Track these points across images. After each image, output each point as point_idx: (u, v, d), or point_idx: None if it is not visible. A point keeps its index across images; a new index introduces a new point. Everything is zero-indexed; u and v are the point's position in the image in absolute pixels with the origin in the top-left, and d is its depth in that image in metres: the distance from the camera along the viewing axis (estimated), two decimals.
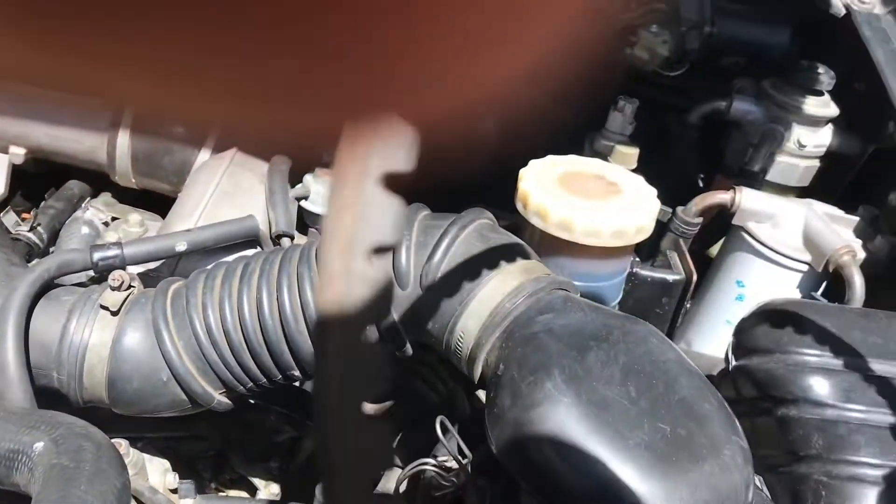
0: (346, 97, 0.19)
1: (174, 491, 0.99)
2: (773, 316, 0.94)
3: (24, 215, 1.22)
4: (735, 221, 1.13)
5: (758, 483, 0.84)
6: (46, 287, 0.88)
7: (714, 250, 1.31)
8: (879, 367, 0.85)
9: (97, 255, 0.91)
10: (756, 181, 1.25)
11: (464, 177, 1.47)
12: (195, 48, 0.17)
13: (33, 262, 1.04)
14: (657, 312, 1.07)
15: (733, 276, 1.16)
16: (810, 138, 1.28)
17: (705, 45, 1.40)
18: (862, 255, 1.09)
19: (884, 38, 1.25)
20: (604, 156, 1.17)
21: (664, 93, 1.45)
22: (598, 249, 0.94)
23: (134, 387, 0.86)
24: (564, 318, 0.74)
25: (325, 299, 0.42)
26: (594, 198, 0.96)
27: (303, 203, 1.16)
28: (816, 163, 1.31)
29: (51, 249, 1.15)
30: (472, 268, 0.79)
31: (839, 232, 1.10)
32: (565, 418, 0.66)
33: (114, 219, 1.20)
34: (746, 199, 1.11)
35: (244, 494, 1.15)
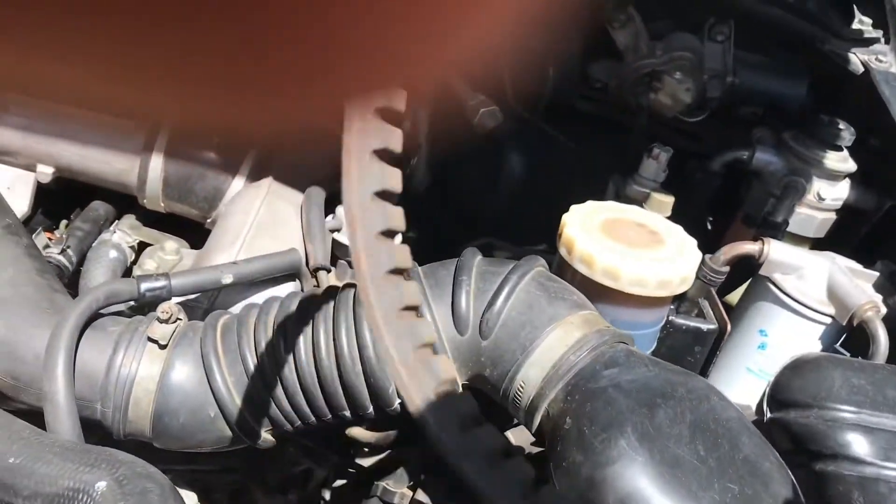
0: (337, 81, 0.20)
1: None
2: (809, 370, 0.96)
3: (47, 234, 1.20)
4: (762, 272, 1.16)
5: None
6: (94, 316, 0.87)
7: (732, 297, 1.34)
8: None
9: (144, 286, 0.90)
10: (779, 232, 1.28)
11: (491, 209, 1.48)
12: (178, 46, 0.18)
13: (88, 283, 1.03)
14: (689, 360, 1.09)
15: (756, 324, 1.18)
16: (829, 191, 1.32)
17: (726, 94, 1.43)
18: (883, 310, 1.12)
19: None
20: (636, 201, 1.19)
21: (684, 138, 1.48)
22: (641, 298, 0.96)
23: (180, 422, 0.85)
24: (630, 373, 0.75)
25: (413, 400, 0.44)
26: (638, 246, 0.98)
27: (336, 235, 1.16)
28: (833, 215, 1.35)
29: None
30: (534, 317, 0.80)
31: (862, 286, 1.13)
32: (641, 477, 0.67)
33: (141, 243, 1.19)
34: (774, 250, 1.14)
35: None
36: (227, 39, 0.18)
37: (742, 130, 1.47)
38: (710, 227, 1.61)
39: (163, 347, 0.86)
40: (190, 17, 0.17)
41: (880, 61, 1.36)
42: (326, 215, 1.16)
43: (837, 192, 1.34)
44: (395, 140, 0.40)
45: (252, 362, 0.84)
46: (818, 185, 1.32)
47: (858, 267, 1.19)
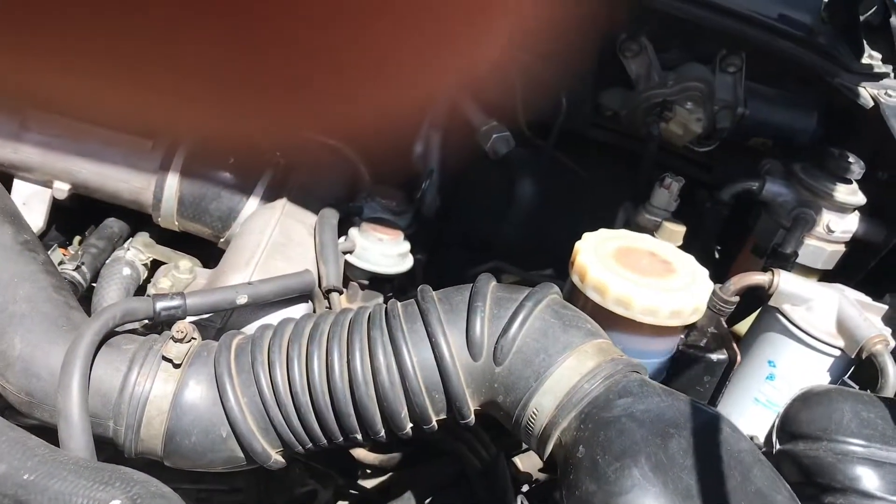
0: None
1: None
2: (818, 402, 0.96)
3: (62, 251, 1.21)
4: (771, 303, 1.16)
5: None
6: (109, 334, 0.87)
7: (741, 327, 1.34)
8: None
9: (160, 305, 0.90)
10: (788, 263, 1.29)
11: (499, 232, 1.49)
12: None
13: (102, 299, 1.03)
14: (698, 390, 1.09)
15: (765, 355, 1.18)
16: (838, 224, 1.32)
17: (736, 125, 1.44)
18: (893, 343, 1.12)
19: None
20: (647, 230, 1.19)
21: (694, 167, 1.49)
22: (653, 327, 0.96)
23: (192, 441, 0.86)
24: (643, 402, 0.75)
25: None
26: (650, 275, 0.98)
27: (348, 257, 1.17)
28: (842, 248, 1.35)
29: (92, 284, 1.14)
30: (548, 344, 0.81)
31: (871, 319, 1.14)
32: None
33: (154, 261, 1.20)
34: (784, 281, 1.14)
35: None
36: (238, 52, 0.18)
37: (751, 161, 1.48)
38: (718, 256, 1.62)
39: (177, 366, 0.86)
40: (205, 32, 0.18)
41: (889, 96, 1.37)
42: (339, 237, 1.17)
43: (847, 225, 1.35)
44: None
45: (265, 383, 0.84)
46: (827, 217, 1.33)
47: (867, 299, 1.19)
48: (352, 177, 1.32)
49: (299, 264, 1.06)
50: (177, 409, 0.85)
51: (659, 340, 0.99)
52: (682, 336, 1.08)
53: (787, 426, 0.97)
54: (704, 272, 1.01)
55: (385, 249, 1.19)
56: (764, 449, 1.00)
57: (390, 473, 1.25)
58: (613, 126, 1.52)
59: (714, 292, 1.14)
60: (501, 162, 1.38)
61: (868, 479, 0.88)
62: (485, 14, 0.20)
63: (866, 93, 1.41)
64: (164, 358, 0.86)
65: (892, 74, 1.48)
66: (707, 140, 1.46)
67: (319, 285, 1.07)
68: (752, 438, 1.03)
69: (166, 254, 1.21)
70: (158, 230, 1.27)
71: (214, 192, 1.17)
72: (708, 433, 0.74)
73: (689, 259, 1.04)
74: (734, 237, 1.52)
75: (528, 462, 1.11)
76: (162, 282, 1.04)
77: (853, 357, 1.13)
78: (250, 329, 0.97)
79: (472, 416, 0.84)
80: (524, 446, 1.09)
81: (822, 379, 1.18)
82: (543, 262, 1.42)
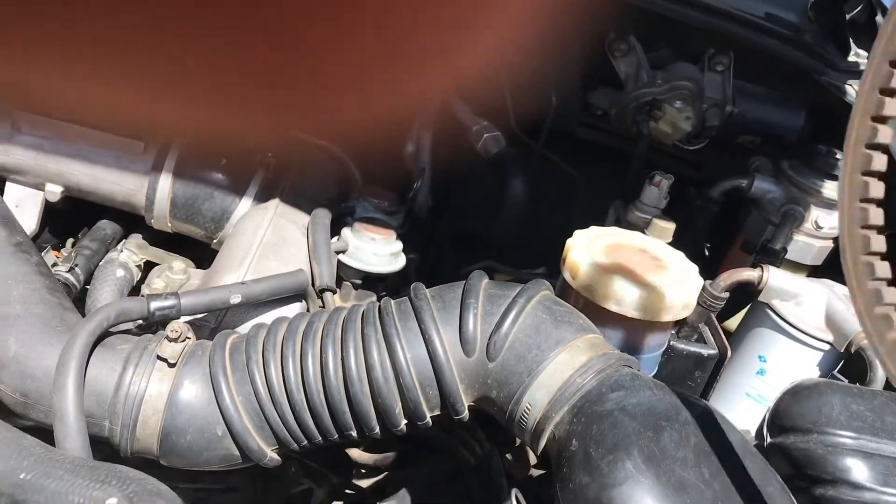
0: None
1: None
2: (808, 395, 0.97)
3: (55, 253, 1.21)
4: (761, 298, 1.17)
5: None
6: (103, 335, 0.88)
7: (730, 323, 1.35)
8: None
9: (154, 305, 0.91)
10: (777, 259, 1.30)
11: (490, 230, 1.50)
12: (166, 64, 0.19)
13: (95, 301, 1.04)
14: (689, 385, 1.10)
15: (755, 350, 1.19)
16: (827, 220, 1.34)
17: (725, 123, 1.45)
18: None
19: None
20: (637, 227, 1.20)
21: (683, 166, 1.50)
22: (644, 323, 0.97)
23: (188, 440, 0.86)
24: (635, 396, 0.76)
25: None
26: (642, 272, 0.99)
27: (341, 257, 1.18)
28: (831, 243, 1.37)
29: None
30: (541, 340, 0.81)
31: None
32: (647, 498, 0.67)
33: (147, 263, 1.20)
34: (773, 277, 1.15)
35: None
36: (229, 52, 0.18)
37: (740, 159, 1.49)
38: (708, 253, 1.63)
39: (172, 366, 0.87)
40: (195, 31, 0.18)
41: None
42: (332, 237, 1.17)
43: (835, 221, 1.36)
44: None
45: (260, 381, 0.85)
46: (816, 214, 1.34)
47: None
48: (343, 177, 1.32)
49: (292, 264, 1.06)
50: (172, 407, 0.85)
51: (650, 336, 1.00)
52: (673, 332, 1.09)
53: (778, 419, 0.98)
54: (694, 268, 1.02)
55: (377, 249, 1.19)
56: (755, 442, 1.01)
57: (385, 473, 1.26)
58: (603, 125, 1.53)
59: (704, 288, 1.15)
60: (492, 161, 1.38)
61: (858, 470, 0.89)
62: (476, 17, 0.21)
63: (853, 90, 1.42)
64: (159, 357, 0.87)
65: None
66: (696, 138, 1.47)
67: (313, 285, 1.07)
68: (745, 433, 1.04)
69: (159, 255, 1.21)
70: (151, 232, 1.28)
71: (207, 193, 1.17)
72: (699, 426, 0.75)
73: (680, 255, 1.05)
74: (724, 234, 1.53)
75: (520, 461, 1.12)
76: (156, 282, 1.04)
77: (842, 351, 1.14)
78: (244, 329, 0.97)
79: (466, 411, 0.85)
80: (517, 442, 1.10)
81: (811, 373, 1.19)
82: (535, 260, 1.43)
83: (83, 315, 0.93)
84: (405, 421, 0.85)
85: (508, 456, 1.11)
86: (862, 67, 1.52)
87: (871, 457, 0.90)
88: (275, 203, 1.16)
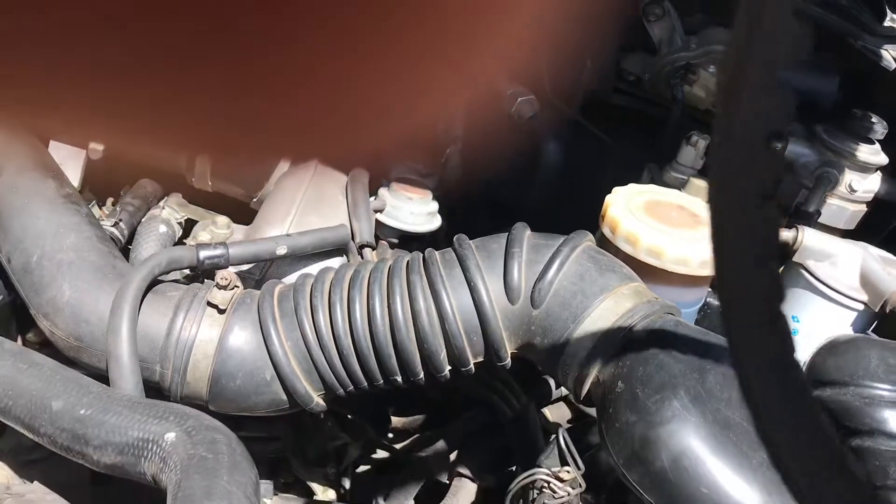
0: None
1: None
2: (846, 350, 0.98)
3: (98, 210, 1.24)
4: (795, 259, 1.18)
5: None
6: (153, 282, 0.90)
7: None
8: None
9: (203, 254, 0.93)
10: (811, 221, 1.30)
11: (524, 198, 1.51)
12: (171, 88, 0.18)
13: (139, 254, 1.06)
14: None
15: (790, 311, 1.20)
16: (861, 183, 1.34)
17: None
18: None
19: None
20: (674, 187, 1.21)
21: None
22: (683, 277, 0.98)
23: (237, 384, 0.88)
24: (680, 340, 0.77)
25: None
26: (681, 227, 1.00)
27: (378, 216, 1.19)
28: (864, 207, 1.37)
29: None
30: (585, 287, 0.83)
31: (894, 274, 1.15)
32: (694, 436, 0.69)
33: (188, 221, 1.22)
34: (808, 237, 1.16)
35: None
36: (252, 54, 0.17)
37: None
38: None
39: (222, 312, 0.89)
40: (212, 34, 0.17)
41: None
42: (370, 196, 1.19)
43: (869, 185, 1.36)
44: None
45: (308, 327, 0.87)
46: (850, 177, 1.34)
47: (891, 256, 1.21)
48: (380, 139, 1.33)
49: (333, 221, 1.08)
50: (222, 352, 0.88)
51: (688, 291, 1.01)
52: (710, 290, 1.10)
53: (815, 373, 0.99)
54: None
55: (414, 208, 1.20)
56: None
57: (417, 435, 1.28)
58: (636, 91, 1.53)
59: None
60: (526, 127, 1.39)
61: (895, 421, 0.90)
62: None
63: (889, 55, 1.41)
64: (209, 304, 0.89)
65: None
66: None
67: (353, 241, 1.09)
68: None
69: (200, 213, 1.23)
70: (190, 194, 1.30)
71: None
72: None
73: None
74: None
75: (557, 413, 1.13)
76: (201, 235, 1.06)
77: (877, 311, 1.14)
78: (289, 281, 0.99)
79: (509, 358, 0.87)
80: (553, 397, 1.11)
81: (846, 332, 1.20)
82: (568, 227, 1.43)
83: None
84: (449, 367, 0.87)
85: (545, 411, 1.13)
86: None
87: None
88: (314, 162, 1.17)
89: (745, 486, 0.67)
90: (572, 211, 1.30)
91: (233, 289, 0.90)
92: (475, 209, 1.54)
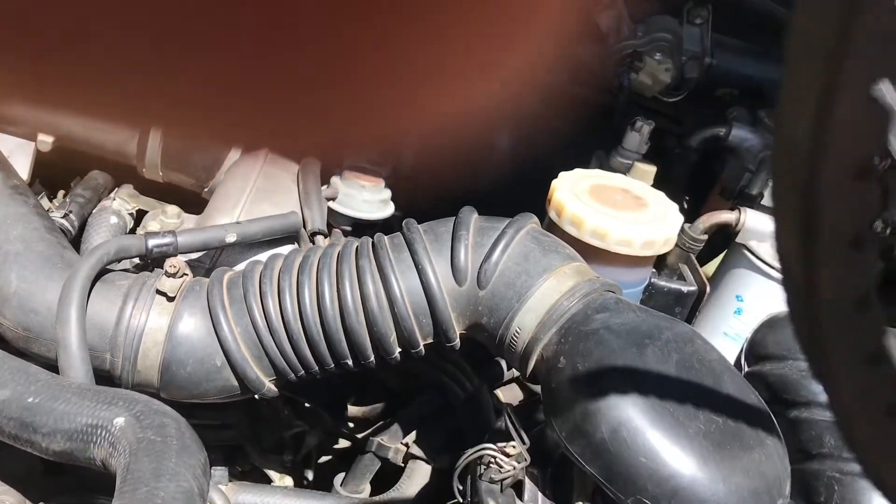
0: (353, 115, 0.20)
1: None
2: (784, 325, 1.02)
3: (48, 202, 1.23)
4: (738, 240, 1.21)
5: None
6: (102, 271, 0.90)
7: (709, 268, 1.39)
8: None
9: (152, 242, 0.93)
10: (754, 203, 1.34)
11: (477, 186, 1.52)
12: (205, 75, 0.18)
13: (90, 246, 1.06)
14: None
15: (733, 291, 1.24)
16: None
17: (703, 75, 1.49)
18: None
19: None
20: (619, 172, 1.24)
21: (663, 118, 1.54)
22: (627, 258, 1.01)
23: (187, 371, 0.89)
24: (619, 317, 0.80)
25: None
26: (624, 209, 1.03)
27: (331, 204, 1.20)
28: None
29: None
30: (529, 267, 0.85)
31: None
32: (632, 408, 0.71)
33: (139, 211, 1.22)
34: (750, 219, 1.19)
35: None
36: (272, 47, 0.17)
37: (718, 110, 1.53)
38: (686, 206, 1.67)
39: (171, 300, 0.89)
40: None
41: None
42: (322, 185, 1.20)
43: None
44: None
45: (258, 312, 0.87)
46: None
47: None
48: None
49: (284, 209, 1.09)
50: (172, 340, 0.88)
51: (633, 271, 1.04)
52: (654, 271, 1.13)
53: (755, 349, 1.02)
54: (675, 206, 1.06)
55: (367, 196, 1.22)
56: None
57: (380, 423, 1.29)
58: (584, 79, 1.55)
59: (683, 230, 1.19)
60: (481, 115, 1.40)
61: None
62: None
63: None
64: (159, 292, 0.89)
65: None
66: (676, 90, 1.50)
67: (304, 228, 1.10)
68: None
69: (151, 203, 1.23)
70: (142, 185, 1.29)
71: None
72: (680, 344, 0.79)
73: (660, 195, 1.09)
74: (703, 186, 1.57)
75: (509, 394, 1.16)
76: (151, 225, 1.06)
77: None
78: (239, 269, 1.00)
79: (458, 339, 0.88)
80: (505, 378, 1.13)
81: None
82: (519, 212, 1.45)
83: None
84: (399, 349, 0.88)
85: (497, 393, 1.15)
86: None
87: None
88: (264, 151, 1.18)
89: (681, 455, 0.70)
90: (524, 196, 1.32)
91: (182, 276, 0.91)
92: (428, 196, 1.55)
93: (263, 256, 1.04)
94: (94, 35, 0.17)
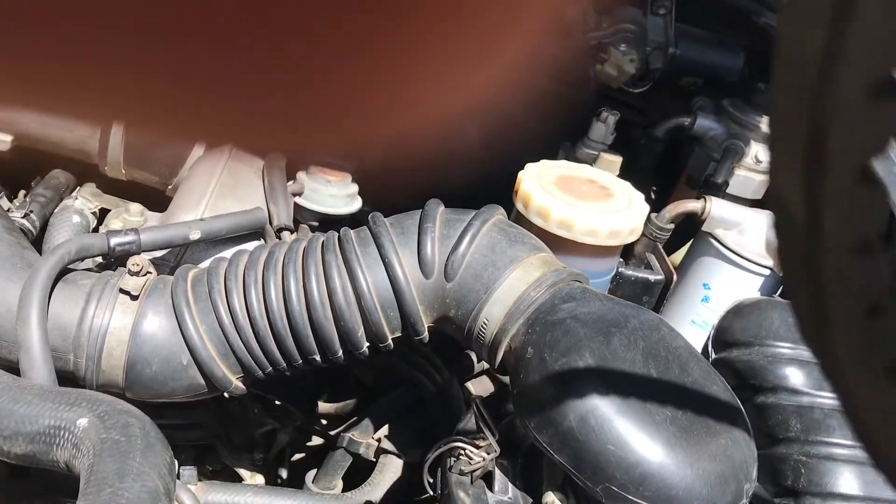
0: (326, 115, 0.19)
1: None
2: (750, 312, 1.03)
3: (8, 203, 1.20)
4: (704, 228, 1.22)
5: None
6: (64, 271, 0.88)
7: (676, 257, 1.40)
8: None
9: (114, 241, 0.92)
10: (719, 192, 1.35)
11: (446, 180, 1.52)
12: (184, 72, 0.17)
13: (52, 246, 1.04)
14: None
15: (700, 279, 1.25)
16: (767, 154, 1.39)
17: (668, 65, 1.50)
18: None
19: None
20: (585, 163, 1.24)
21: (628, 109, 1.54)
22: (593, 248, 1.01)
23: (153, 370, 0.88)
24: (586, 306, 0.80)
25: None
26: (590, 200, 1.03)
27: (297, 199, 1.19)
28: None
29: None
30: (496, 259, 0.85)
31: None
32: (599, 396, 0.72)
33: (102, 210, 1.20)
34: (716, 207, 1.20)
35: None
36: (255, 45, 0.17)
37: (683, 100, 1.54)
38: (652, 195, 1.68)
39: (134, 298, 0.88)
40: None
41: None
42: (287, 180, 1.19)
43: None
44: None
45: (223, 309, 0.87)
46: (756, 149, 1.40)
47: None
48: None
49: (250, 205, 1.07)
50: (136, 338, 0.87)
51: (599, 261, 1.04)
52: (621, 260, 1.14)
53: (722, 336, 1.03)
54: (640, 196, 1.07)
55: (333, 190, 1.21)
56: None
57: (353, 419, 1.28)
58: (551, 72, 1.56)
59: (650, 220, 1.20)
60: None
61: (795, 377, 0.95)
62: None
63: None
64: (122, 290, 0.88)
65: None
66: (641, 81, 1.51)
67: (270, 224, 1.09)
68: None
69: (114, 202, 1.21)
70: (105, 184, 1.27)
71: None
72: (647, 332, 0.79)
73: (626, 185, 1.09)
74: (669, 176, 1.58)
75: (480, 387, 1.16)
76: (113, 223, 1.05)
77: (782, 275, 1.20)
78: (204, 267, 0.99)
79: (426, 332, 0.88)
80: (476, 370, 1.13)
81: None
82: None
83: None
84: (367, 343, 0.88)
85: (468, 385, 1.15)
86: None
87: (807, 364, 0.95)
88: (228, 147, 1.17)
89: (648, 442, 0.70)
90: (492, 189, 1.32)
91: (145, 275, 0.89)
92: (396, 190, 1.55)
93: (228, 253, 1.03)
94: (51, 27, 0.17)
